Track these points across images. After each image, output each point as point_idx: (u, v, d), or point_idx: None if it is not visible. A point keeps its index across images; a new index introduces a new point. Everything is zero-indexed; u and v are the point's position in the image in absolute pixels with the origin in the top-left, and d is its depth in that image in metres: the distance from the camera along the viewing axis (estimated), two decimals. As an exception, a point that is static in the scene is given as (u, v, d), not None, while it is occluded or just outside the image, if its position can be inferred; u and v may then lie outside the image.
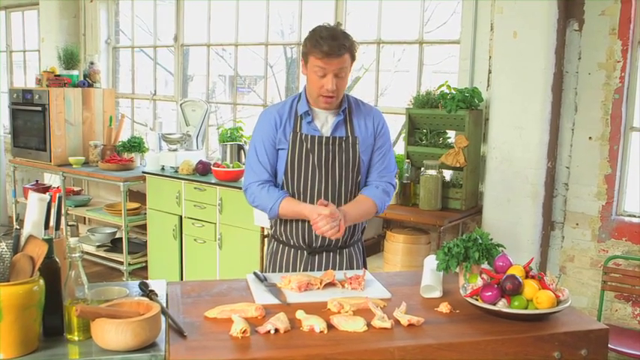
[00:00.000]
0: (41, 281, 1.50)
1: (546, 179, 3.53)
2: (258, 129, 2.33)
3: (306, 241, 2.32)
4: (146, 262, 5.07)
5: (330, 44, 2.09)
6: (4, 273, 1.49)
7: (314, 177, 2.26)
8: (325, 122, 2.29)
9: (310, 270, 2.31)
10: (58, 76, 5.51)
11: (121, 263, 5.02)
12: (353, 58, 2.20)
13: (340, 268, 2.32)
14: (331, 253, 2.34)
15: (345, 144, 2.27)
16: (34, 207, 1.65)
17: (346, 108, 2.29)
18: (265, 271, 2.38)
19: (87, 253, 5.22)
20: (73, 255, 1.58)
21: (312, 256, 2.33)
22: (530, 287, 1.74)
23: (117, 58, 6.25)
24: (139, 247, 5.22)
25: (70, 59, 5.64)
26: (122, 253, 5.00)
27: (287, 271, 2.34)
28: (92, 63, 5.75)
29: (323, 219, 2.10)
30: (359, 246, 2.46)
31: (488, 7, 3.74)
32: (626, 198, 3.58)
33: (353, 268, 2.35)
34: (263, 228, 4.03)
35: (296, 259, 2.34)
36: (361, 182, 2.33)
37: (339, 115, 2.28)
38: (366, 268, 2.39)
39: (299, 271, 2.32)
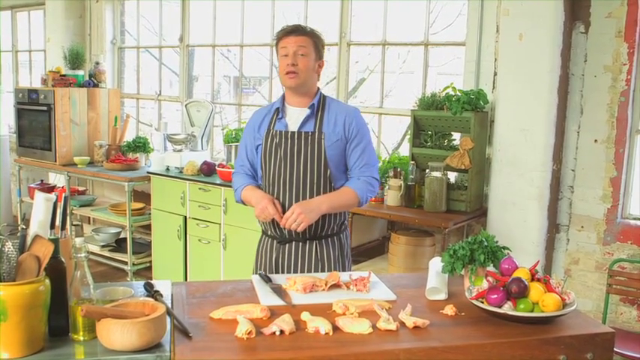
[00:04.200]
0: (47, 281, 1.50)
1: (551, 182, 3.52)
2: (247, 126, 2.62)
3: (277, 231, 2.47)
4: (150, 262, 5.07)
5: (290, 26, 2.44)
6: (11, 273, 1.49)
7: (282, 169, 2.43)
8: (296, 119, 2.46)
9: (282, 259, 2.47)
10: (64, 76, 5.51)
11: (125, 263, 5.04)
12: (316, 48, 2.43)
13: (310, 260, 2.44)
14: (300, 243, 2.45)
15: (310, 138, 2.42)
16: (41, 207, 1.66)
17: (315, 105, 2.44)
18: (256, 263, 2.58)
19: (91, 253, 5.22)
20: (79, 255, 1.59)
21: (282, 245, 2.47)
22: (536, 290, 1.74)
23: (122, 58, 6.27)
24: (143, 248, 5.23)
25: (75, 59, 5.65)
26: (126, 253, 5.02)
27: (264, 258, 2.52)
28: (98, 63, 5.76)
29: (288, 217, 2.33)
30: (335, 241, 2.50)
31: (494, 9, 3.73)
32: (631, 201, 3.57)
33: (325, 262, 2.45)
34: (267, 229, 4.02)
35: (272, 248, 2.51)
36: (333, 176, 2.43)
37: (307, 112, 2.45)
38: (349, 266, 2.56)
39: (273, 259, 2.48)
